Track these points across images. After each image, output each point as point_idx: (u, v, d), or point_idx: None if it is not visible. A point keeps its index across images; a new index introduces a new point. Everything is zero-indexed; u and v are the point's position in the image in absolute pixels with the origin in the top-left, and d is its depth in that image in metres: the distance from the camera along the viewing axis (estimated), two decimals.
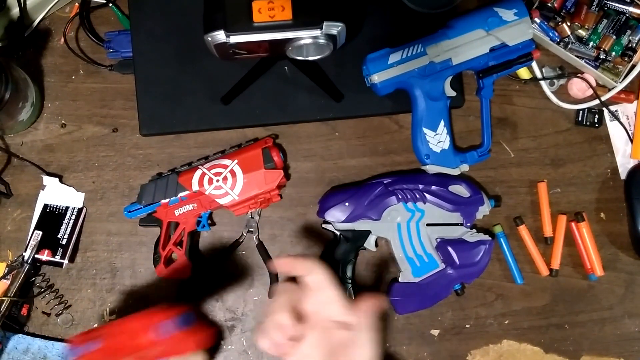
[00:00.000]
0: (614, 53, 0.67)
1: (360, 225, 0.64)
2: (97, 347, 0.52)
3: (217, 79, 0.66)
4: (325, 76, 0.66)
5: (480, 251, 0.63)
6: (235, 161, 0.63)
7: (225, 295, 0.66)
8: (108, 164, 0.68)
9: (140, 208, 0.64)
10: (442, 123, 0.64)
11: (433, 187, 0.64)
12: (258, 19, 0.54)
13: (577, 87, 0.69)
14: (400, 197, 0.63)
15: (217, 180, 0.63)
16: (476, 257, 0.63)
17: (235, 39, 0.54)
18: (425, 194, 0.63)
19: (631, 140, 0.69)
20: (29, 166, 0.67)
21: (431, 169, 0.65)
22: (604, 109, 0.70)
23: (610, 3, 0.68)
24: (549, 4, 0.67)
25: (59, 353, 0.64)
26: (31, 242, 0.64)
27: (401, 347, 0.66)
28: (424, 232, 0.64)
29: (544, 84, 0.69)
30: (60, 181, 0.67)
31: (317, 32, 0.55)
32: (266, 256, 0.66)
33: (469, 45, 0.63)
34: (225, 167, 0.63)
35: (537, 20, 0.67)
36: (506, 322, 0.67)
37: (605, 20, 0.67)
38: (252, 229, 0.66)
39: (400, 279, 0.64)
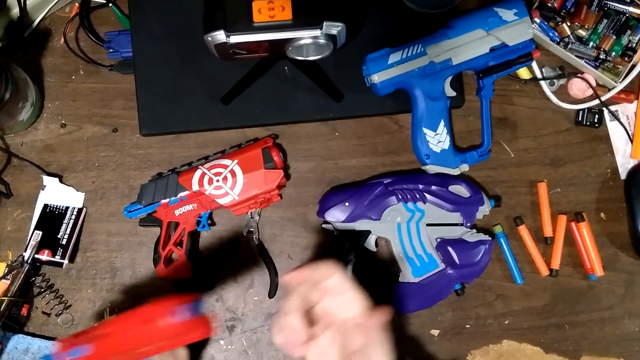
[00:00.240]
0: (614, 53, 0.67)
1: (360, 225, 0.64)
2: (86, 353, 0.52)
3: (217, 79, 0.66)
4: (325, 76, 0.66)
5: (480, 251, 0.63)
6: (235, 161, 0.63)
7: (225, 295, 0.66)
8: (108, 164, 0.68)
9: (140, 208, 0.64)
10: (442, 123, 0.64)
11: (433, 187, 0.64)
12: (258, 19, 0.54)
13: (577, 87, 0.69)
14: (400, 197, 0.63)
15: (217, 180, 0.63)
16: (476, 257, 0.63)
17: (235, 39, 0.54)
18: (425, 194, 0.63)
19: (631, 140, 0.69)
20: (29, 166, 0.67)
21: (431, 169, 0.65)
22: (604, 109, 0.70)
23: (610, 3, 0.68)
24: (549, 4, 0.67)
25: None
26: (31, 242, 0.64)
27: (401, 347, 0.66)
28: (424, 232, 0.64)
29: (544, 84, 0.69)
30: (60, 181, 0.67)
31: (317, 32, 0.55)
32: (266, 256, 0.66)
33: (469, 45, 0.63)
34: (225, 167, 0.63)
35: (537, 20, 0.67)
36: (506, 322, 0.67)
37: (605, 20, 0.67)
38: (252, 229, 0.66)
39: (400, 279, 0.64)
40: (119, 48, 0.67)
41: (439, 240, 0.64)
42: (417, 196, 0.63)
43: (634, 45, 0.67)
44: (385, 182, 0.64)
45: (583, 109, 0.70)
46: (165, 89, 0.66)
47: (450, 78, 0.65)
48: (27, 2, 0.65)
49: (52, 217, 0.65)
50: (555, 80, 0.69)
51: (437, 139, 0.64)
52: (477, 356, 0.66)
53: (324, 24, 0.54)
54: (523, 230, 0.67)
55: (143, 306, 0.52)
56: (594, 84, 0.69)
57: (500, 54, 0.64)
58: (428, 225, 0.64)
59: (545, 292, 0.67)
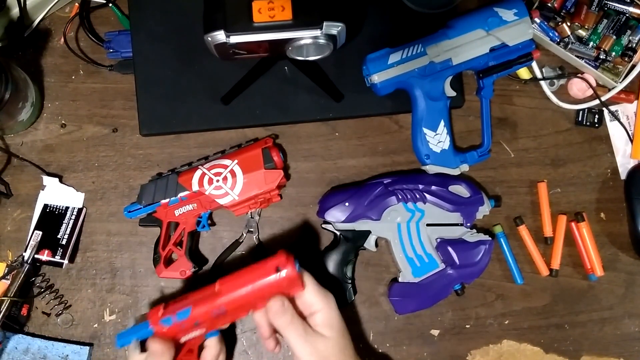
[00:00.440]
0: (614, 53, 0.67)
1: (360, 225, 0.64)
2: (190, 314, 0.54)
3: (217, 79, 0.66)
4: (325, 76, 0.66)
5: (480, 251, 0.63)
6: (235, 161, 0.63)
7: None
8: (108, 164, 0.68)
9: (140, 208, 0.64)
10: (442, 123, 0.64)
11: (433, 187, 0.64)
12: (258, 19, 0.54)
13: (577, 87, 0.69)
14: (400, 197, 0.63)
15: (217, 181, 0.63)
16: (476, 257, 0.63)
17: (235, 39, 0.54)
18: (425, 194, 0.63)
19: (631, 140, 0.69)
20: (28, 166, 0.67)
21: (431, 169, 0.65)
22: (604, 109, 0.70)
23: (610, 3, 0.68)
24: (549, 4, 0.67)
25: (59, 353, 0.64)
26: (31, 242, 0.64)
27: (401, 347, 0.66)
28: (424, 232, 0.64)
29: (544, 84, 0.69)
30: (60, 181, 0.67)
31: (317, 32, 0.55)
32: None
33: (469, 45, 0.63)
34: (225, 167, 0.63)
35: (537, 20, 0.67)
36: (506, 322, 0.67)
37: (605, 20, 0.67)
38: (252, 229, 0.66)
39: (400, 279, 0.64)
40: (119, 48, 0.67)
41: (439, 240, 0.64)
42: (417, 196, 0.63)
43: (634, 45, 0.67)
44: (385, 182, 0.64)
45: (583, 109, 0.70)
46: (165, 89, 0.66)
47: (450, 78, 0.65)
48: (27, 2, 0.65)
49: (52, 217, 0.65)
50: (555, 81, 0.69)
51: (437, 139, 0.64)
52: (477, 356, 0.66)
53: (324, 24, 0.54)
54: (523, 230, 0.67)
55: (250, 265, 0.54)
56: (594, 84, 0.69)
57: (500, 54, 0.64)
58: (428, 225, 0.64)
59: (545, 292, 0.67)
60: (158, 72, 0.66)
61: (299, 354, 0.54)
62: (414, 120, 0.65)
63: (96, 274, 0.66)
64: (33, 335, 0.64)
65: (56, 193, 0.66)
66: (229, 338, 0.64)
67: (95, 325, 0.65)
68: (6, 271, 0.63)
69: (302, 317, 0.55)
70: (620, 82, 0.68)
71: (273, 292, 0.54)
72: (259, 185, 0.62)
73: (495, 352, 0.67)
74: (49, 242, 0.64)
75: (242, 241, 0.66)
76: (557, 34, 0.68)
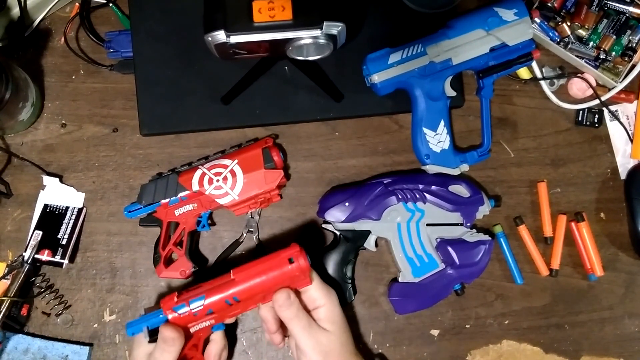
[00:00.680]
0: (614, 53, 0.67)
1: (360, 225, 0.64)
2: (204, 302, 0.55)
3: (217, 79, 0.66)
4: (325, 76, 0.66)
5: (480, 251, 0.63)
6: (236, 161, 0.63)
7: None
8: (108, 164, 0.68)
9: (141, 208, 0.64)
10: (442, 123, 0.64)
11: (433, 187, 0.64)
12: (258, 19, 0.54)
13: (577, 87, 0.69)
14: (400, 197, 0.63)
15: (217, 180, 0.63)
16: (476, 257, 0.63)
17: (235, 39, 0.54)
18: (425, 194, 0.63)
19: (631, 140, 0.69)
20: (29, 166, 0.67)
21: (431, 168, 0.65)
22: (604, 108, 0.70)
23: (611, 3, 0.68)
24: (549, 4, 0.67)
25: (59, 353, 0.64)
26: (31, 242, 0.64)
27: (401, 347, 0.66)
28: (423, 232, 0.64)
29: (544, 84, 0.69)
30: (61, 181, 0.67)
31: (317, 32, 0.55)
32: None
33: (469, 45, 0.63)
34: (226, 167, 0.63)
35: (537, 20, 0.67)
36: (506, 322, 0.67)
37: (605, 20, 0.67)
38: (252, 229, 0.66)
39: (400, 279, 0.64)
40: (119, 48, 0.67)
41: (438, 240, 0.64)
42: (417, 196, 0.63)
43: (634, 45, 0.67)
44: (385, 182, 0.64)
45: (583, 109, 0.70)
46: (165, 88, 0.66)
47: (450, 78, 0.65)
48: (28, 2, 0.66)
49: (52, 217, 0.65)
50: (555, 80, 0.70)
51: (437, 139, 0.64)
52: (477, 356, 0.66)
53: (324, 24, 0.54)
54: (523, 230, 0.67)
55: (263, 257, 0.56)
56: (594, 83, 0.69)
57: (500, 54, 0.64)
58: (428, 225, 0.64)
59: (545, 292, 0.67)
60: (158, 72, 0.66)
61: (302, 346, 0.55)
62: (414, 120, 0.65)
63: (96, 274, 0.66)
64: (33, 335, 0.64)
65: (56, 193, 0.66)
66: (229, 338, 0.64)
67: (95, 325, 0.65)
68: (6, 271, 0.63)
69: (306, 311, 0.57)
70: (620, 82, 0.68)
71: (285, 283, 0.55)
72: (259, 185, 0.62)
73: (495, 352, 0.67)
74: (49, 242, 0.64)
75: (242, 241, 0.66)
76: (557, 34, 0.68)
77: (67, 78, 0.69)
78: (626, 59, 0.67)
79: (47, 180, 0.66)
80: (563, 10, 0.68)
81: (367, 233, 0.64)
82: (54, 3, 0.68)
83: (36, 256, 0.64)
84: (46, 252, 0.64)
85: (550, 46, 0.69)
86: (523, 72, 0.69)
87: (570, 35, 0.68)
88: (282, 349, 0.65)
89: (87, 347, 0.64)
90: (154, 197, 0.64)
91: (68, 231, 0.65)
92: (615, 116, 0.69)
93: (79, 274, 0.66)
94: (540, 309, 0.67)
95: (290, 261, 0.54)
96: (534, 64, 0.69)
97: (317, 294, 0.57)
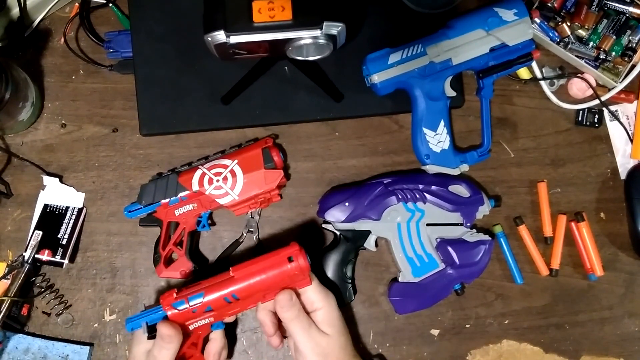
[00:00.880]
0: (614, 53, 0.67)
1: (360, 225, 0.64)
2: (202, 300, 0.55)
3: (217, 79, 0.66)
4: (325, 76, 0.66)
5: (480, 251, 0.63)
6: (235, 161, 0.63)
7: None
8: (108, 164, 0.68)
9: (141, 208, 0.64)
10: (442, 123, 0.64)
11: (433, 187, 0.64)
12: (258, 19, 0.54)
13: (577, 87, 0.69)
14: (400, 197, 0.63)
15: (217, 180, 0.63)
16: (476, 257, 0.63)
17: (235, 39, 0.54)
18: (425, 194, 0.63)
19: (631, 140, 0.69)
20: (29, 166, 0.67)
21: (431, 169, 0.65)
22: (604, 109, 0.70)
23: (610, 3, 0.68)
24: (549, 4, 0.67)
25: (59, 353, 0.64)
26: (31, 242, 0.64)
27: (401, 347, 0.66)
28: (424, 232, 0.64)
29: (544, 84, 0.69)
30: (61, 181, 0.67)
31: (317, 32, 0.55)
32: None
33: (469, 46, 0.63)
34: (225, 167, 0.63)
35: (537, 20, 0.67)
36: (506, 322, 0.67)
37: (605, 20, 0.67)
38: (252, 229, 0.66)
39: (400, 279, 0.64)
40: (119, 48, 0.67)
41: (438, 240, 0.64)
42: (417, 196, 0.63)
43: (634, 45, 0.67)
44: (385, 182, 0.64)
45: (583, 109, 0.70)
46: (165, 89, 0.66)
47: (450, 78, 0.65)
48: (27, 2, 0.65)
49: (52, 217, 0.65)
50: (555, 80, 0.69)
51: (437, 139, 0.64)
52: (477, 356, 0.66)
53: (324, 24, 0.54)
54: (523, 230, 0.67)
55: (263, 255, 0.56)
56: (594, 84, 0.69)
57: (500, 54, 0.64)
58: (428, 225, 0.64)
59: (545, 292, 0.67)
60: (158, 72, 0.66)
61: (301, 347, 0.55)
62: (414, 120, 0.65)
63: (96, 274, 0.66)
64: (33, 335, 0.64)
65: (56, 193, 0.66)
66: (229, 337, 0.64)
67: (96, 325, 0.65)
68: (6, 271, 0.63)
69: (306, 313, 0.57)
70: (620, 82, 0.68)
71: (284, 282, 0.55)
72: (259, 185, 0.62)
73: (495, 352, 0.67)
74: (49, 242, 0.64)
75: (242, 241, 0.67)
76: (557, 34, 0.68)
77: (66, 78, 0.69)
78: (626, 59, 0.67)
79: (47, 180, 0.66)
80: (563, 11, 0.68)
81: (367, 233, 0.64)
82: (53, 3, 0.68)
83: (36, 256, 0.64)
84: (46, 252, 0.64)
85: (550, 46, 0.69)
86: (523, 72, 0.69)
87: (570, 36, 0.68)
88: (283, 349, 0.65)
89: (88, 347, 0.64)
90: (154, 197, 0.64)
91: (68, 231, 0.65)
92: (615, 116, 0.69)
93: (79, 274, 0.66)
94: (540, 309, 0.67)
95: (290, 260, 0.54)
96: (534, 64, 0.69)
97: (315, 296, 0.57)
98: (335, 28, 0.55)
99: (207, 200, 0.63)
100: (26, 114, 0.65)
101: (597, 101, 0.68)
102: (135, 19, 0.66)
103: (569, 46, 0.68)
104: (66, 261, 0.64)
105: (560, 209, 0.69)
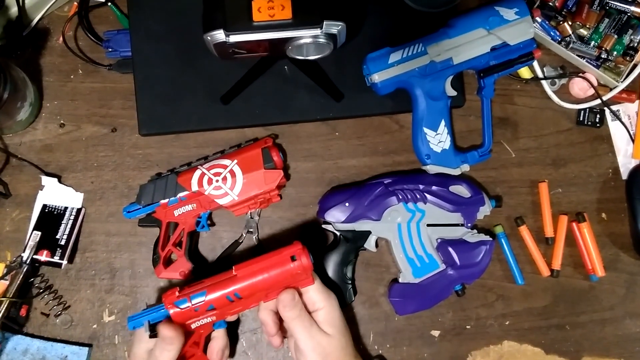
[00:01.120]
0: (615, 52, 0.67)
1: (360, 225, 0.63)
2: (205, 298, 0.55)
3: (217, 78, 0.66)
4: (325, 76, 0.66)
5: (481, 252, 0.63)
6: (235, 161, 0.63)
7: None
8: (107, 164, 0.67)
9: (140, 208, 0.64)
10: (442, 123, 0.64)
11: (434, 188, 0.63)
12: (258, 18, 0.54)
13: (578, 87, 0.69)
14: (400, 197, 0.63)
15: (217, 181, 0.62)
16: (477, 258, 0.63)
17: (234, 38, 0.54)
18: (425, 194, 0.63)
19: (633, 140, 0.69)
20: (27, 166, 0.66)
21: (432, 169, 0.65)
22: (605, 108, 0.69)
23: (612, 2, 0.67)
24: (550, 3, 0.67)
25: (58, 354, 0.63)
26: (30, 242, 0.64)
27: (401, 348, 0.66)
28: (424, 232, 0.63)
29: (545, 84, 0.69)
30: (59, 181, 0.67)
31: (317, 32, 0.54)
32: None
33: (470, 45, 0.63)
34: (225, 167, 0.63)
35: (539, 19, 0.67)
36: (507, 323, 0.67)
37: (606, 20, 0.67)
38: (251, 230, 0.66)
39: (400, 280, 0.64)
40: (118, 47, 0.67)
41: (439, 240, 0.64)
42: (418, 196, 0.63)
43: (636, 44, 0.67)
44: (385, 182, 0.64)
45: (584, 109, 0.69)
46: (164, 88, 0.66)
47: (451, 77, 0.64)
48: (26, 2, 0.65)
49: (50, 218, 0.65)
50: (556, 80, 0.69)
51: (438, 139, 0.64)
52: (478, 357, 0.66)
53: (324, 23, 0.54)
54: (524, 230, 0.67)
55: (266, 254, 0.56)
56: (595, 83, 0.69)
57: (501, 53, 0.63)
58: (428, 225, 0.64)
59: (546, 293, 0.67)
60: (157, 71, 0.66)
61: (303, 346, 0.55)
62: (415, 119, 0.65)
63: (95, 275, 0.66)
64: (32, 336, 0.64)
65: (55, 193, 0.66)
66: (231, 336, 0.64)
67: (95, 326, 0.65)
68: (5, 272, 0.63)
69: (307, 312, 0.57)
70: (621, 82, 0.67)
71: (287, 280, 0.55)
72: (258, 185, 0.62)
73: (495, 353, 0.66)
74: (47, 242, 0.64)
75: (242, 241, 0.66)
76: (558, 33, 0.68)
77: (65, 78, 0.68)
78: (628, 58, 0.67)
79: (46, 180, 0.66)
80: (564, 10, 0.67)
81: (367, 233, 0.64)
82: (52, 2, 0.67)
83: (35, 257, 0.63)
84: (45, 252, 0.64)
85: (551, 45, 0.69)
86: (524, 72, 0.69)
87: (572, 35, 0.67)
88: (282, 350, 0.65)
89: (87, 348, 0.64)
90: (153, 198, 0.63)
91: (67, 231, 0.65)
92: (616, 116, 0.69)
93: (78, 275, 0.66)
94: (541, 310, 0.67)
95: (293, 259, 0.54)
96: (535, 64, 0.68)
97: (316, 296, 0.57)
98: (335, 27, 0.55)
99: (207, 201, 0.63)
100: (25, 114, 0.65)
101: (598, 101, 0.68)
102: (134, 18, 0.66)
103: (571, 45, 0.68)
104: (65, 262, 0.64)
105: (562, 209, 0.68)
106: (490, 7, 0.63)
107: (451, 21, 0.63)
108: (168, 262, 0.64)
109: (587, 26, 0.67)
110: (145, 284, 0.66)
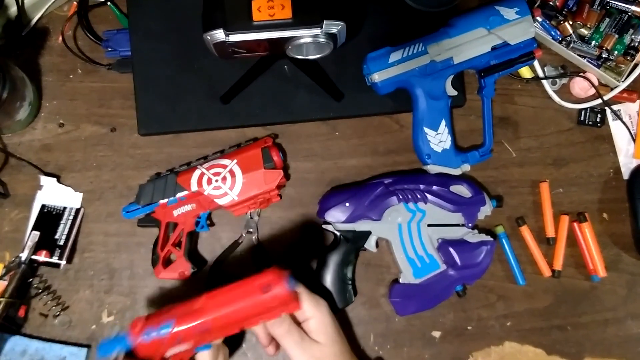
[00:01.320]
0: (616, 52, 0.67)
1: (360, 225, 0.63)
2: (172, 329, 0.51)
3: (216, 78, 0.65)
4: (325, 75, 0.66)
5: (482, 252, 0.63)
6: (235, 161, 0.63)
7: None
8: (106, 164, 0.67)
9: (139, 208, 0.63)
10: (443, 122, 0.64)
11: (434, 187, 0.63)
12: (258, 17, 0.54)
13: (579, 87, 0.69)
14: (401, 197, 0.63)
15: (216, 181, 0.62)
16: (478, 258, 0.63)
17: (234, 37, 0.54)
18: (426, 194, 0.63)
19: (634, 140, 0.69)
20: (26, 166, 0.66)
21: (432, 168, 0.64)
22: (606, 108, 0.69)
23: (613, 2, 0.67)
24: (551, 3, 0.67)
25: (57, 355, 0.63)
26: (28, 242, 0.64)
27: (402, 349, 0.65)
28: (425, 232, 0.63)
29: (545, 83, 0.69)
30: (58, 181, 0.66)
31: (317, 31, 0.54)
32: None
33: (471, 44, 0.63)
34: (225, 167, 0.62)
35: (539, 18, 0.67)
36: (508, 324, 0.66)
37: (607, 19, 0.67)
38: (251, 230, 0.66)
39: (401, 280, 0.64)
40: (118, 47, 0.67)
41: (440, 241, 0.63)
42: (418, 196, 0.63)
43: (637, 44, 0.67)
44: (385, 182, 0.63)
45: (585, 109, 0.69)
46: (163, 88, 0.65)
47: (451, 77, 0.64)
48: (25, 1, 0.65)
49: (49, 218, 0.65)
50: (557, 80, 0.69)
51: (438, 139, 0.64)
52: (479, 358, 0.66)
53: (324, 22, 0.54)
54: (525, 230, 0.67)
55: (239, 281, 0.52)
56: (596, 83, 0.69)
57: (501, 53, 0.63)
58: (429, 225, 0.63)
59: (548, 293, 0.67)
60: (157, 71, 0.66)
61: None
62: (415, 119, 0.64)
63: (94, 275, 0.66)
64: (30, 336, 0.64)
65: (54, 193, 0.66)
66: (231, 339, 0.64)
67: (93, 326, 0.65)
68: (3, 272, 0.62)
69: (297, 323, 0.56)
70: (622, 81, 0.67)
71: (262, 311, 0.52)
72: (258, 185, 0.62)
73: (497, 354, 0.66)
74: (46, 242, 0.64)
75: (242, 242, 0.66)
76: (559, 33, 0.68)
77: (64, 77, 0.68)
78: (628, 58, 0.67)
79: (45, 180, 0.66)
80: (565, 9, 0.67)
81: (367, 234, 0.63)
82: (51, 2, 0.67)
83: (33, 257, 0.63)
84: (43, 252, 0.63)
85: (552, 45, 0.69)
86: (525, 71, 0.69)
87: (572, 34, 0.67)
88: (282, 352, 0.64)
89: (85, 349, 0.64)
90: (152, 198, 0.63)
91: (65, 232, 0.64)
92: (617, 116, 0.69)
93: (77, 275, 0.65)
94: (543, 310, 0.67)
95: (266, 289, 0.50)
96: (536, 63, 0.68)
97: (305, 305, 0.55)
98: (335, 27, 0.54)
99: (206, 201, 0.63)
100: (24, 114, 0.64)
101: (599, 100, 0.68)
102: (134, 17, 0.66)
103: (571, 45, 0.67)
104: (63, 262, 0.64)
105: (563, 210, 0.68)
106: (491, 6, 0.63)
107: (451, 21, 0.63)
108: (167, 262, 0.63)
109: (588, 26, 0.67)
110: (145, 284, 0.65)
